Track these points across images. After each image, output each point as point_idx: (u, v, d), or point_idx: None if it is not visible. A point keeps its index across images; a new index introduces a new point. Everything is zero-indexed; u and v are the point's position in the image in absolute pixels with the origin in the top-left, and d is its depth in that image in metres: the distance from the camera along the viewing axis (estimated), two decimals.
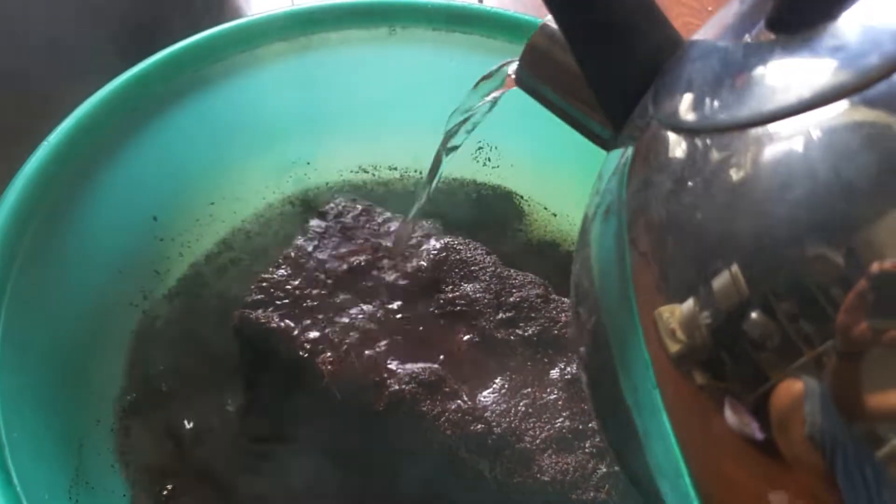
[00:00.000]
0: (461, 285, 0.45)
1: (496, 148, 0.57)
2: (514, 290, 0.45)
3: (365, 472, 0.42)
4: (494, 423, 0.40)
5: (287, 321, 0.41)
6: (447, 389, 0.40)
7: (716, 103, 0.20)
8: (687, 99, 0.21)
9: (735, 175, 0.18)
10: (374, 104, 0.55)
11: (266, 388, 0.43)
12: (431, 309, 0.44)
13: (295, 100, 0.52)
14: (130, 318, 0.45)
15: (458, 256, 0.46)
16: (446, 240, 0.47)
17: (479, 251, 0.47)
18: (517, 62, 0.30)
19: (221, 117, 0.49)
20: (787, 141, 0.17)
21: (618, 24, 0.23)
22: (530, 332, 0.44)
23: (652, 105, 0.22)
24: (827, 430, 0.16)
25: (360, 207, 0.48)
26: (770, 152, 0.17)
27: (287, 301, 0.42)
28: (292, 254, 0.44)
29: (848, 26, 0.18)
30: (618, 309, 0.20)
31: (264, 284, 0.43)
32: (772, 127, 0.18)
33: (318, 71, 0.52)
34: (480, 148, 0.57)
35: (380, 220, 0.47)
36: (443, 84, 0.54)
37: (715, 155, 0.19)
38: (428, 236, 0.47)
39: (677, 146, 0.20)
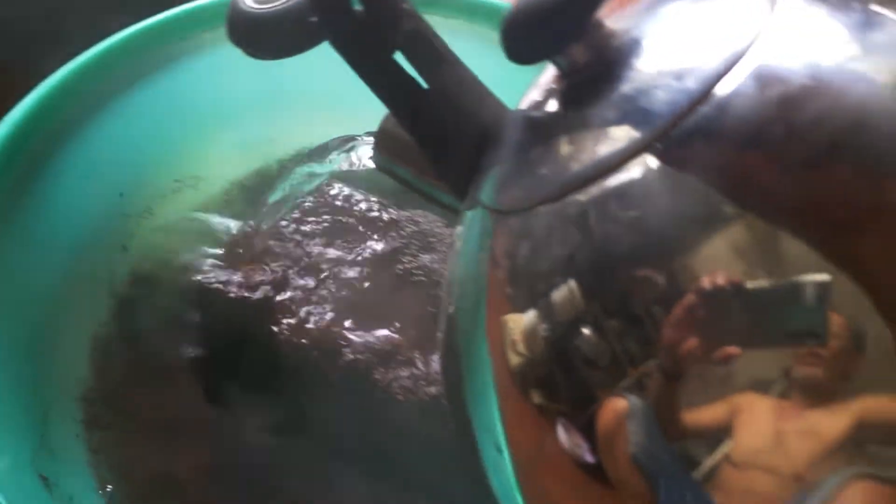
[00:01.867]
0: (419, 256, 0.46)
1: None
2: None
3: (320, 440, 0.44)
4: None
5: (244, 289, 0.43)
6: (401, 358, 0.42)
7: (525, 180, 0.22)
8: (501, 178, 0.23)
9: (557, 231, 0.19)
10: (335, 79, 0.55)
11: (224, 354, 0.45)
12: (389, 279, 0.45)
13: (257, 77, 0.52)
14: (97, 294, 0.46)
15: (416, 228, 0.47)
16: (405, 213, 0.48)
17: (438, 223, 0.48)
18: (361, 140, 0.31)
19: (185, 95, 0.50)
20: (600, 193, 0.19)
21: (442, 112, 0.25)
22: None
23: (475, 187, 0.24)
24: (650, 452, 0.16)
25: (320, 179, 0.49)
26: (584, 206, 0.19)
27: (245, 270, 0.43)
28: (251, 224, 0.45)
29: (623, 103, 0.20)
30: (469, 324, 0.21)
31: (223, 254, 0.44)
32: (579, 190, 0.19)
33: None
34: None
35: (340, 194, 0.48)
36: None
37: (535, 218, 0.20)
38: (386, 208, 0.48)
39: (500, 223, 0.22)
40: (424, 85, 0.25)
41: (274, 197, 0.48)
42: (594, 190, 0.19)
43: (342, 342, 0.41)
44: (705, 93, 0.18)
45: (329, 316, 0.43)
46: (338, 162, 0.48)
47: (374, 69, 0.26)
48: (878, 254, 0.15)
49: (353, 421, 0.43)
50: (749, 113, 0.17)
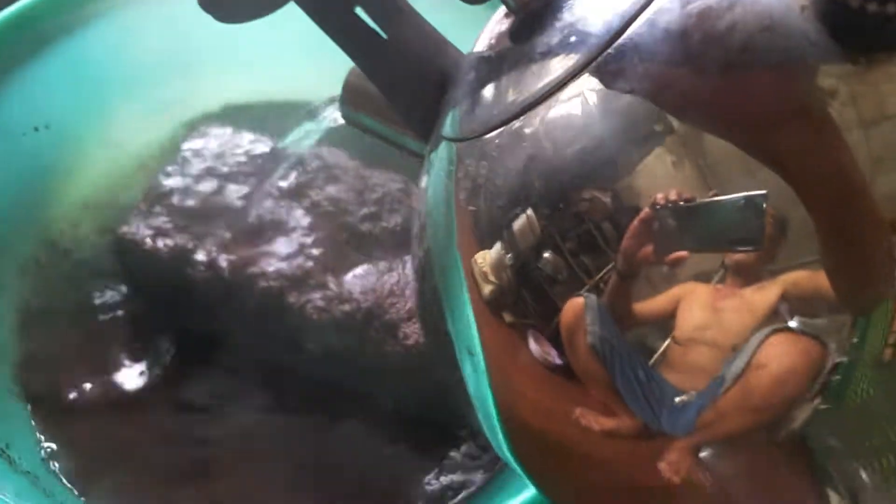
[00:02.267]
0: (325, 188, 0.48)
1: None
2: (376, 188, 0.48)
3: (251, 369, 0.45)
4: (362, 300, 0.43)
5: (160, 237, 0.44)
6: (313, 282, 0.43)
7: (482, 109, 0.23)
8: (462, 111, 0.24)
9: (510, 156, 0.21)
10: (245, 39, 0.57)
11: (149, 299, 0.47)
12: (299, 212, 0.47)
13: (163, 40, 0.54)
14: (19, 269, 0.48)
15: (321, 163, 0.49)
16: (311, 149, 0.50)
17: (342, 157, 0.50)
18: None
19: (90, 62, 0.51)
20: (547, 118, 0.21)
21: (402, 59, 0.27)
22: (394, 222, 0.47)
23: (437, 126, 0.26)
24: (605, 338, 0.18)
25: (228, 129, 0.50)
26: (535, 132, 0.21)
27: (160, 219, 0.45)
28: (162, 178, 0.47)
29: (563, 31, 0.22)
30: (444, 248, 0.23)
31: (138, 208, 0.46)
32: (528, 114, 0.21)
33: (183, 7, 0.54)
34: None
35: (246, 140, 0.50)
36: None
37: (491, 145, 0.22)
38: (287, 145, 0.50)
39: (465, 148, 0.23)
40: (384, 36, 0.27)
41: (184, 153, 0.49)
42: (541, 114, 0.21)
43: (256, 273, 0.43)
44: (636, 13, 0.19)
45: (241, 251, 0.44)
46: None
47: (336, 24, 0.27)
48: (794, 146, 0.17)
49: (271, 343, 0.45)
50: (672, 26, 0.19)
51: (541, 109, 0.21)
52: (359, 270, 0.45)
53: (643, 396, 0.18)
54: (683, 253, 0.18)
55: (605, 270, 0.18)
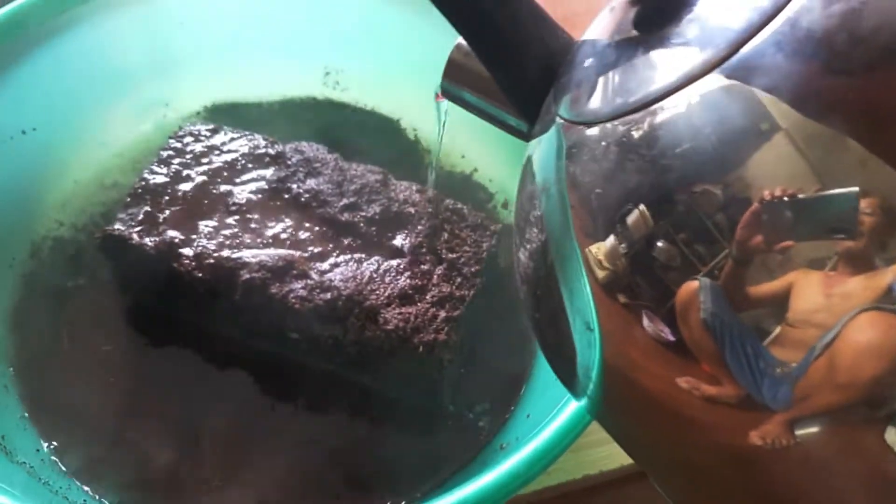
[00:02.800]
0: (306, 181, 0.49)
1: (342, 72, 0.60)
2: (355, 179, 0.50)
3: (239, 357, 0.47)
4: (342, 288, 0.44)
5: (146, 232, 0.46)
6: (295, 272, 0.45)
7: (601, 96, 0.24)
8: (577, 96, 0.25)
9: (624, 147, 0.22)
10: (223, 40, 0.58)
11: (137, 293, 0.49)
12: (280, 205, 0.48)
13: (145, 42, 0.55)
14: (7, 268, 0.49)
15: (301, 157, 0.51)
16: (290, 145, 0.51)
17: (321, 151, 0.51)
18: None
19: (75, 64, 0.52)
20: (666, 113, 0.22)
21: (514, 38, 0.27)
22: (372, 211, 0.48)
23: (553, 104, 0.27)
24: (717, 314, 0.20)
25: (210, 128, 0.52)
26: (653, 125, 0.22)
27: (146, 216, 0.46)
28: (147, 176, 0.48)
29: (695, 23, 0.22)
30: (564, 250, 0.24)
31: (125, 205, 0.47)
32: (652, 107, 0.22)
33: (165, 11, 0.56)
34: (328, 73, 0.60)
35: (228, 137, 0.51)
36: (293, 8, 0.58)
37: (608, 135, 0.23)
38: (273, 143, 0.51)
39: (578, 135, 0.24)
40: (497, 14, 0.27)
41: (169, 151, 0.50)
42: (659, 106, 0.22)
43: (239, 265, 0.44)
44: (776, 11, 0.20)
45: (226, 244, 0.46)
46: None
47: (452, 1, 0.28)
48: None
49: (257, 333, 0.46)
50: (815, 26, 0.19)
51: (654, 112, 0.22)
52: (339, 259, 0.46)
53: (748, 369, 0.19)
54: (789, 242, 0.19)
55: (718, 258, 0.20)
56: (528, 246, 0.26)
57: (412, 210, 0.49)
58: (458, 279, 0.46)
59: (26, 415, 0.44)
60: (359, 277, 0.45)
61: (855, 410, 0.19)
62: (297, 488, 0.44)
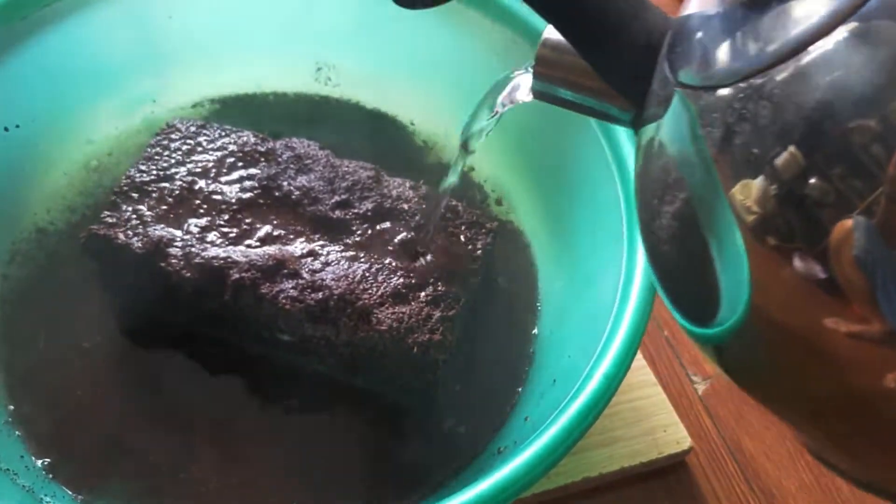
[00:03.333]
0: (297, 178, 0.48)
1: (334, 67, 0.59)
2: (346, 176, 0.49)
3: (229, 359, 0.46)
4: (334, 288, 0.43)
5: (133, 231, 0.44)
6: (286, 271, 0.43)
7: (734, 55, 0.24)
8: (704, 62, 0.25)
9: (769, 97, 0.22)
10: (213, 34, 0.57)
11: (124, 293, 0.47)
12: (270, 203, 0.47)
13: (133, 36, 0.54)
14: None
15: (292, 153, 0.49)
16: (281, 141, 0.50)
17: (313, 147, 0.50)
18: (530, 77, 0.33)
19: (60, 60, 0.51)
20: (813, 56, 0.22)
21: (611, 19, 0.27)
22: (364, 209, 0.47)
23: (671, 76, 0.26)
24: (871, 252, 0.20)
25: (198, 124, 0.50)
26: (799, 70, 0.22)
27: (133, 214, 0.45)
28: (133, 173, 0.47)
29: None
30: (710, 206, 0.24)
31: (110, 203, 0.46)
32: (797, 55, 0.22)
33: (153, 3, 0.55)
34: (319, 69, 0.59)
35: (216, 134, 0.50)
36: (283, 1, 0.57)
37: (748, 89, 0.23)
38: (263, 140, 0.50)
39: (710, 98, 0.24)
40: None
41: (157, 148, 0.49)
42: (811, 50, 0.21)
43: (228, 264, 0.43)
44: None
45: (215, 243, 0.44)
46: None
47: None
48: None
49: (247, 333, 0.45)
50: None
51: (797, 62, 0.22)
52: (331, 257, 0.45)
53: None
54: None
55: (875, 193, 0.20)
56: (666, 212, 0.26)
57: (405, 207, 0.48)
58: (454, 278, 0.45)
59: (10, 420, 0.43)
60: (351, 276, 0.44)
61: None
62: (290, 491, 0.42)
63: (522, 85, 0.37)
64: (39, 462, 0.41)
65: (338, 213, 0.47)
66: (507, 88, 0.38)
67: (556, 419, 0.34)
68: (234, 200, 0.47)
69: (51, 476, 0.41)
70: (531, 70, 0.32)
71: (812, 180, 0.21)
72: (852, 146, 0.20)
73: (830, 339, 0.21)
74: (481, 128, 0.41)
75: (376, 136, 0.58)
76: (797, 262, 0.21)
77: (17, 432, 0.42)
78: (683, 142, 0.25)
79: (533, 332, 0.48)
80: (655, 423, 0.49)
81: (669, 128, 0.26)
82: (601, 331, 0.38)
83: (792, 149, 0.21)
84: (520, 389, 0.45)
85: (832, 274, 0.21)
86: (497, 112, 0.39)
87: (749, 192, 0.22)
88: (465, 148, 0.42)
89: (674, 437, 0.48)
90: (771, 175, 0.22)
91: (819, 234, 0.21)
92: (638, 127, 0.29)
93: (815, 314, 0.21)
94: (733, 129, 0.23)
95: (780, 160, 0.21)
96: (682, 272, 0.27)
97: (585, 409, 0.34)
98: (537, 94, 0.33)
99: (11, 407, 0.43)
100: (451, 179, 0.44)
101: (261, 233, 0.45)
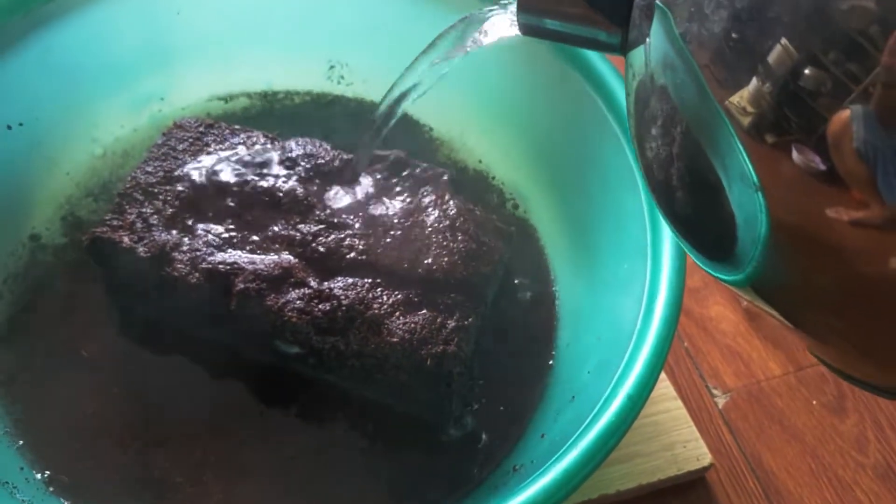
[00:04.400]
0: (308, 180, 0.47)
1: (347, 65, 0.58)
2: (359, 178, 0.47)
3: (235, 371, 0.44)
4: (342, 297, 0.41)
5: (137, 235, 0.43)
6: (293, 279, 0.42)
7: None
8: None
9: None
10: (223, 31, 0.55)
11: (126, 298, 0.46)
12: (279, 205, 0.45)
13: (140, 32, 0.52)
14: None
15: (303, 153, 0.48)
16: (291, 141, 0.48)
17: (324, 147, 0.48)
18: (506, 15, 0.33)
19: (63, 58, 0.49)
20: None
21: None
22: (377, 212, 0.46)
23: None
24: (870, 141, 0.20)
25: (206, 123, 0.49)
26: None
27: (137, 217, 0.44)
28: (139, 175, 0.46)
29: None
30: (702, 114, 0.24)
31: (115, 205, 0.44)
32: None
33: (161, 4, 0.53)
34: (332, 67, 0.58)
35: (225, 133, 0.49)
36: (291, 0, 0.55)
37: None
38: (273, 140, 0.49)
39: (687, 8, 0.24)
40: None
41: (163, 149, 0.48)
42: None
43: (234, 271, 0.42)
44: None
45: (221, 247, 0.43)
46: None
47: None
48: None
49: (253, 343, 0.43)
50: None
51: None
52: (340, 264, 0.43)
53: None
54: None
55: (873, 73, 0.19)
56: (663, 140, 0.26)
57: (419, 210, 0.46)
58: (468, 285, 0.43)
59: (8, 430, 0.41)
60: (360, 284, 0.42)
61: None
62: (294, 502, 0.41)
63: (498, 23, 0.36)
64: (39, 475, 0.40)
65: (349, 216, 0.45)
66: (484, 26, 0.37)
67: (578, 441, 0.32)
68: (241, 203, 0.45)
69: (51, 489, 0.39)
70: (509, 6, 0.32)
71: (807, 71, 0.21)
72: (848, 29, 0.20)
73: (836, 230, 0.21)
74: (432, 76, 0.40)
75: (391, 135, 0.56)
76: (797, 157, 0.21)
77: (16, 444, 0.41)
78: (670, 56, 0.25)
79: (550, 344, 0.46)
80: (675, 439, 0.47)
81: (655, 45, 0.26)
82: (623, 347, 0.36)
83: (783, 41, 0.21)
84: (536, 404, 0.43)
85: (833, 165, 0.21)
86: (467, 51, 0.38)
87: (742, 94, 0.22)
88: (401, 98, 0.41)
89: (694, 452, 0.47)
90: (764, 73, 0.21)
91: (817, 125, 0.20)
92: (626, 51, 0.29)
93: (818, 206, 0.21)
94: (718, 26, 0.23)
95: (772, 56, 0.21)
96: (691, 201, 0.27)
97: (608, 432, 0.32)
98: (523, 27, 0.32)
99: (11, 418, 0.42)
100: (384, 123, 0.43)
101: (268, 237, 0.44)
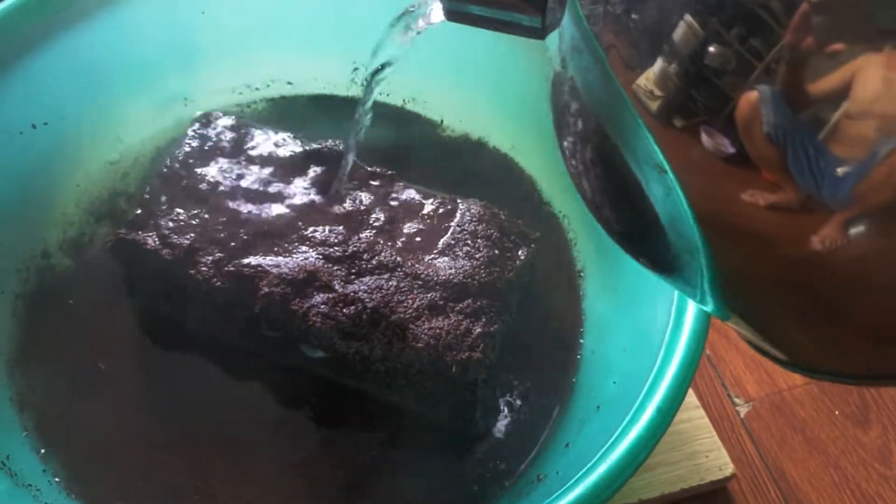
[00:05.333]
0: (330, 181, 0.46)
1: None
2: (384, 182, 0.47)
3: (258, 374, 0.44)
4: (367, 301, 0.41)
5: (160, 237, 0.43)
6: (318, 283, 0.42)
7: None
8: None
9: None
10: (247, 31, 0.55)
11: (150, 298, 0.46)
12: (303, 208, 0.45)
13: (165, 32, 0.52)
14: (20, 267, 0.47)
15: (326, 155, 0.48)
16: (316, 143, 0.48)
17: (345, 149, 0.48)
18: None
19: (88, 57, 0.49)
20: None
21: None
22: (403, 215, 0.45)
23: None
24: (779, 123, 0.19)
25: (230, 123, 0.49)
26: None
27: (163, 219, 0.44)
28: (163, 176, 0.46)
29: None
30: (608, 100, 0.24)
31: (139, 206, 0.44)
32: None
33: (186, 3, 0.53)
34: (356, 69, 0.58)
35: (250, 135, 0.49)
36: (315, 2, 0.55)
37: None
38: (298, 142, 0.48)
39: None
40: None
41: (187, 150, 0.48)
42: None
43: (259, 274, 0.42)
44: None
45: (246, 249, 0.43)
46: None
47: None
48: None
49: (277, 347, 0.43)
50: None
51: None
52: (364, 266, 0.43)
53: (809, 170, 0.19)
54: (839, 45, 0.18)
55: (775, 49, 0.19)
56: (575, 127, 0.25)
57: (444, 213, 0.46)
58: (494, 290, 0.43)
59: (31, 432, 0.41)
60: (385, 287, 0.42)
61: None
62: None
63: (435, 8, 0.37)
64: (59, 479, 0.40)
65: (374, 218, 0.45)
66: (422, 11, 0.38)
67: (607, 454, 0.32)
68: (266, 205, 0.45)
69: (72, 496, 0.39)
70: None
71: (711, 48, 0.20)
72: (750, 3, 0.19)
73: (755, 216, 0.21)
74: (389, 57, 0.41)
75: (409, 135, 0.56)
76: (706, 140, 0.21)
77: (39, 452, 0.41)
78: (576, 39, 0.24)
79: (574, 352, 0.46)
80: (697, 448, 0.47)
81: (566, 29, 0.25)
82: (652, 358, 0.36)
83: (687, 17, 0.20)
84: (560, 413, 0.43)
85: (742, 147, 0.20)
86: (411, 36, 0.40)
87: (649, 76, 0.22)
88: (371, 80, 0.41)
89: (716, 462, 0.46)
90: (669, 53, 0.21)
91: (724, 106, 0.20)
92: (544, 36, 0.29)
93: (734, 192, 0.21)
94: (621, 5, 0.22)
95: (676, 34, 0.21)
96: (616, 203, 0.26)
97: (638, 446, 0.32)
98: (449, 13, 0.33)
99: (31, 422, 0.42)
100: (363, 116, 0.43)
101: (292, 239, 0.44)
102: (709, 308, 0.26)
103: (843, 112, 0.19)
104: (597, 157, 0.26)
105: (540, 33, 0.30)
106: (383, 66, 0.42)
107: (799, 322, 0.24)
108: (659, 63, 0.21)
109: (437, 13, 0.36)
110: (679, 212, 0.23)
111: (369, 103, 0.43)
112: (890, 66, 0.18)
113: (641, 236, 0.26)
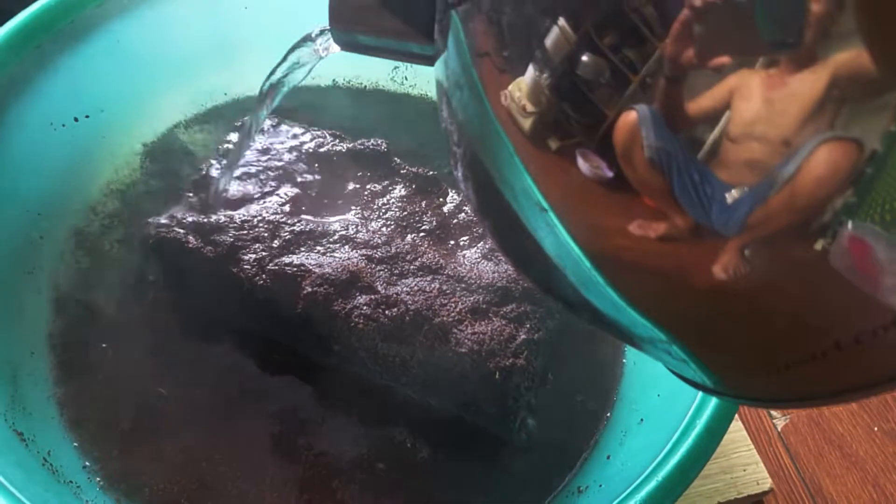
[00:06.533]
0: (371, 179, 0.46)
1: (410, 66, 0.57)
2: (424, 177, 0.47)
3: (298, 372, 0.44)
4: (410, 303, 0.41)
5: (201, 235, 0.43)
6: (361, 284, 0.42)
7: None
8: None
9: None
10: (288, 26, 0.55)
11: (189, 295, 0.45)
12: (346, 205, 0.45)
13: (207, 27, 0.52)
14: (58, 253, 0.47)
15: (368, 154, 0.47)
16: (358, 141, 0.48)
17: (385, 147, 0.48)
18: (326, 30, 0.32)
19: (130, 51, 0.49)
20: None
21: None
22: (445, 214, 0.45)
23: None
24: (661, 149, 0.18)
25: (273, 121, 0.49)
26: None
27: (202, 216, 0.43)
28: (205, 172, 0.45)
29: None
30: (479, 122, 0.22)
31: (183, 202, 0.44)
32: None
33: None
34: (396, 67, 0.57)
35: (292, 132, 0.48)
36: None
37: None
38: (340, 139, 0.48)
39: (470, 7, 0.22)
40: None
41: (227, 144, 0.47)
42: None
43: (301, 273, 0.41)
44: None
45: (288, 248, 0.43)
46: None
47: None
48: None
49: (318, 346, 0.43)
50: None
51: None
52: (408, 268, 0.43)
53: (696, 197, 0.18)
54: (725, 59, 0.17)
55: (650, 61, 0.18)
56: (458, 155, 0.24)
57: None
58: (538, 296, 0.42)
59: (71, 429, 0.41)
60: (427, 289, 0.42)
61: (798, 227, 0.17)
62: None
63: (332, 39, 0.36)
64: (98, 478, 0.40)
65: (416, 220, 0.45)
66: (321, 40, 0.39)
67: (656, 472, 0.31)
68: (308, 203, 0.45)
69: (112, 494, 0.39)
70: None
71: (584, 58, 0.19)
72: (624, 7, 0.18)
73: (648, 249, 0.19)
74: (289, 79, 0.41)
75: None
76: (582, 164, 0.19)
77: (72, 444, 0.41)
78: (453, 61, 0.23)
79: (617, 361, 0.45)
80: (735, 462, 0.46)
81: (448, 52, 0.24)
82: None
83: (560, 21, 0.19)
84: (601, 424, 0.43)
85: (620, 171, 0.19)
86: (315, 59, 0.40)
87: (521, 87, 0.20)
88: (266, 98, 0.42)
89: (754, 476, 0.46)
90: (542, 60, 0.19)
91: (598, 123, 0.19)
92: (433, 63, 0.27)
93: (618, 220, 0.19)
94: (492, 27, 0.21)
95: (549, 40, 0.19)
96: (508, 240, 0.25)
97: (688, 463, 0.31)
98: (341, 44, 0.32)
99: (70, 415, 0.42)
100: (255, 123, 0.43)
101: (335, 237, 0.44)
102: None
103: (722, 131, 0.18)
104: (483, 204, 0.24)
105: (433, 61, 0.29)
106: (279, 83, 0.42)
107: (722, 351, 0.22)
108: (530, 72, 0.20)
109: (334, 45, 0.36)
110: (570, 254, 0.21)
111: (263, 112, 0.43)
112: (770, 86, 0.17)
113: (545, 282, 0.25)
